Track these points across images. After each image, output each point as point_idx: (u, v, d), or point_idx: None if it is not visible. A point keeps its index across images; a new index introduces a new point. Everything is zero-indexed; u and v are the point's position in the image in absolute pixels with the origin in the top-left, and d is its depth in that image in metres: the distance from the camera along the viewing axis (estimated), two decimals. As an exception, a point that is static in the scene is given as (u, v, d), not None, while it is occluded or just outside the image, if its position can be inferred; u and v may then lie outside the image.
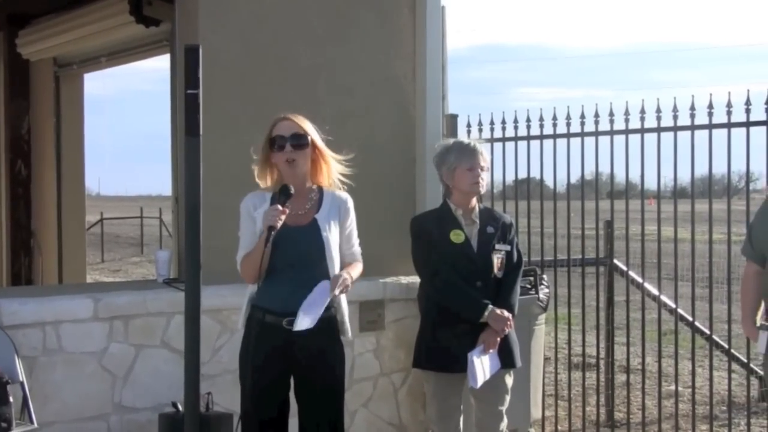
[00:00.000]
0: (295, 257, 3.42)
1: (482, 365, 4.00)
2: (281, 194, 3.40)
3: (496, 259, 4.09)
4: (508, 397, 4.17)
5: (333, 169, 3.59)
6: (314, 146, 3.53)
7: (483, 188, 4.18)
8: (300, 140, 3.48)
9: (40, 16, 7.04)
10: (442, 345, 4.06)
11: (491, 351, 4.02)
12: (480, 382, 3.99)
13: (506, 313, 4.02)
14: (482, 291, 4.05)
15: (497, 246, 4.10)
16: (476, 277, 4.06)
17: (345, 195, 3.62)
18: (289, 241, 3.39)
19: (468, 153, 4.14)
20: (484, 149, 4.19)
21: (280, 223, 3.34)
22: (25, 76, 7.57)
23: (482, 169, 4.13)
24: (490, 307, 4.01)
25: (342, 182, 3.63)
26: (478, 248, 4.09)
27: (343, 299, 3.59)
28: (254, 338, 3.45)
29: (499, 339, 4.04)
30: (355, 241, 3.64)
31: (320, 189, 3.58)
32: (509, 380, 4.18)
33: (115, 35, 6.43)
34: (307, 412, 3.55)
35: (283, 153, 3.48)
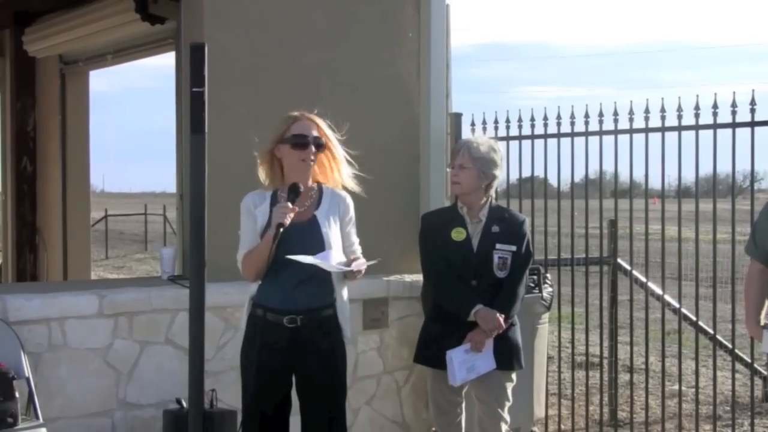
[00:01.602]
0: (296, 253, 3.42)
1: (464, 364, 3.98)
2: (290, 192, 3.41)
3: (497, 259, 4.06)
4: (508, 401, 4.14)
5: (344, 170, 3.58)
6: (326, 147, 3.54)
7: (461, 187, 4.08)
8: (321, 142, 3.50)
9: (47, 14, 7.06)
10: (442, 342, 4.06)
11: (483, 350, 4.00)
12: (459, 380, 3.98)
13: (496, 314, 3.98)
14: (477, 290, 4.03)
15: (498, 246, 4.06)
16: (472, 276, 4.04)
17: (344, 193, 3.62)
18: (289, 238, 3.39)
19: (453, 152, 4.16)
20: (473, 147, 4.07)
21: (288, 221, 3.35)
22: (31, 73, 7.60)
23: (461, 168, 4.06)
24: (479, 306, 3.97)
25: (355, 181, 3.61)
26: (478, 247, 4.07)
27: (345, 299, 3.59)
28: (256, 336, 3.45)
29: (493, 339, 4.00)
30: (355, 240, 3.64)
31: (320, 186, 3.59)
32: (509, 384, 4.15)
33: (120, 33, 6.45)
34: (309, 410, 3.55)
35: (303, 152, 3.48)
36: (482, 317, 3.97)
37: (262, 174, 3.59)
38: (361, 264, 3.45)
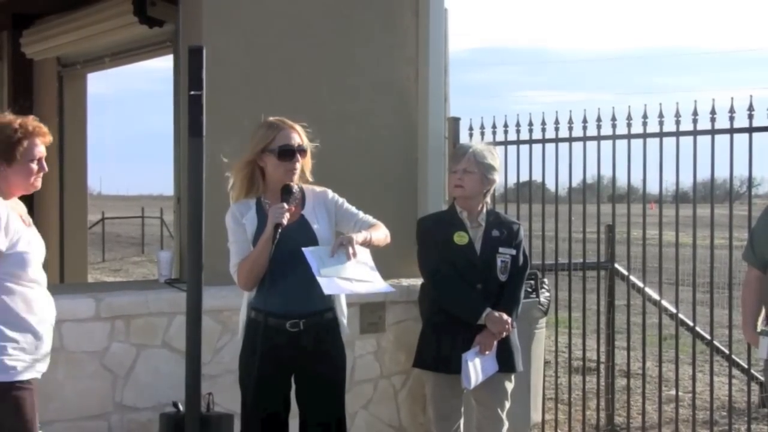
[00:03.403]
0: (290, 255, 3.43)
1: (476, 367, 3.99)
2: (284, 193, 3.42)
3: (499, 263, 4.09)
4: (507, 402, 4.17)
5: (308, 167, 3.61)
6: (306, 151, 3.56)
7: (465, 191, 4.11)
8: (304, 148, 3.52)
9: (45, 16, 7.06)
10: (441, 346, 4.06)
11: (487, 353, 4.02)
12: (473, 383, 3.99)
13: (505, 316, 4.02)
14: (482, 293, 4.06)
15: (501, 250, 4.10)
16: (477, 280, 4.06)
17: (322, 188, 3.64)
18: (282, 240, 3.38)
19: (455, 156, 4.18)
20: (477, 152, 4.11)
21: (285, 221, 3.36)
22: (29, 75, 7.59)
23: (465, 172, 4.09)
24: (488, 309, 4.01)
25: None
26: (481, 251, 4.09)
27: (343, 300, 3.59)
28: (257, 342, 3.43)
29: (496, 342, 4.03)
30: (357, 212, 3.62)
31: (301, 188, 3.60)
32: (509, 385, 4.18)
33: (118, 35, 6.45)
34: (310, 412, 3.55)
35: (290, 163, 3.49)
36: (492, 320, 4.00)
37: (238, 183, 3.55)
38: (343, 244, 3.39)
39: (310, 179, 3.61)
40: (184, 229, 4.21)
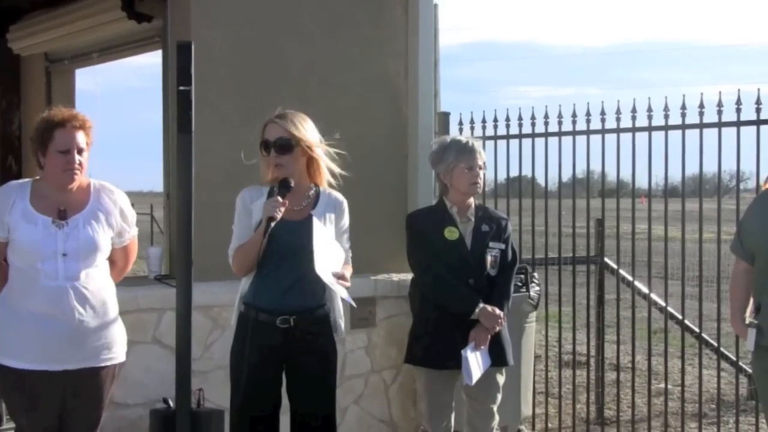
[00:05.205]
0: (290, 250, 3.42)
1: (477, 361, 4.01)
2: (281, 187, 3.41)
3: (490, 257, 4.10)
4: (499, 396, 4.19)
5: (325, 168, 3.57)
6: (306, 147, 3.50)
7: (480, 188, 4.20)
8: (284, 145, 3.45)
9: (32, 11, 7.02)
10: (434, 342, 4.07)
11: (482, 348, 4.04)
12: (475, 379, 4.01)
13: (497, 311, 4.03)
14: (474, 288, 4.06)
15: (491, 244, 4.11)
16: (468, 275, 4.07)
17: (341, 197, 3.62)
18: (284, 235, 3.39)
19: (467, 152, 4.12)
20: (481, 147, 4.19)
21: (279, 215, 3.35)
22: (16, 71, 7.56)
23: (480, 168, 4.14)
24: (481, 304, 4.02)
25: (333, 178, 3.60)
26: (471, 246, 4.10)
27: (338, 299, 3.59)
28: (247, 337, 3.44)
29: (489, 336, 4.05)
30: (347, 244, 3.64)
31: (317, 188, 3.58)
32: (501, 378, 4.19)
33: (106, 31, 6.42)
34: (300, 409, 3.55)
35: (269, 157, 3.48)
36: (485, 315, 4.01)
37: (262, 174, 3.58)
38: (342, 286, 3.45)
39: (319, 181, 3.56)
40: (174, 225, 4.21)
